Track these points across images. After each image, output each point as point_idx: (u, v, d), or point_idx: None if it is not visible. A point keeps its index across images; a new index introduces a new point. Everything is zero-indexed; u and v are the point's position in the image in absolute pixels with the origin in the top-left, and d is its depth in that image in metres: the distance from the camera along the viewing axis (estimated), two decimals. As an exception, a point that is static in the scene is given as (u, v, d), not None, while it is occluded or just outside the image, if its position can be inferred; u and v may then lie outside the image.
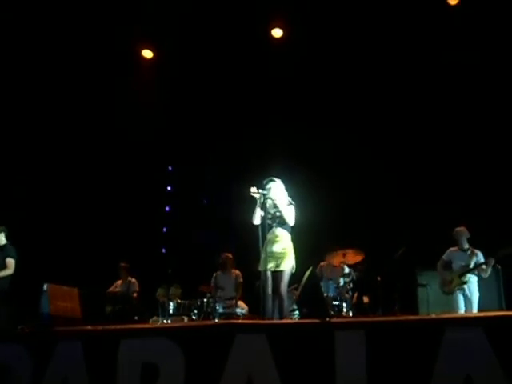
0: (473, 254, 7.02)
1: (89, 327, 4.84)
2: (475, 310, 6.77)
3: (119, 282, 8.47)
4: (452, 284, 6.98)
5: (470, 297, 6.86)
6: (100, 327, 4.78)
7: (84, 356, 4.49)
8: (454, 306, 6.85)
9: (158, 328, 5.41)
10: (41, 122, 9.21)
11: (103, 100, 9.24)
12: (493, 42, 7.97)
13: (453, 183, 8.30)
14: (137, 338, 4.50)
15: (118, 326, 4.95)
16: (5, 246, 7.32)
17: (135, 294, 8.27)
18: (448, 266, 7.11)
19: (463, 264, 6.99)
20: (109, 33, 8.63)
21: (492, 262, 6.86)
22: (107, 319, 7.31)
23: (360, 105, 8.88)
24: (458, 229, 7.18)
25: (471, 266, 6.92)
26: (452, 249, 7.20)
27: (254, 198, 5.93)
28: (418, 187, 8.45)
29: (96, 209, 9.44)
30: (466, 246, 7.09)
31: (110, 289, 8.42)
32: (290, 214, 5.89)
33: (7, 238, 7.39)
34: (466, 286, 6.89)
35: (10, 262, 7.12)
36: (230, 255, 8.06)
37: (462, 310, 6.78)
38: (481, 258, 6.97)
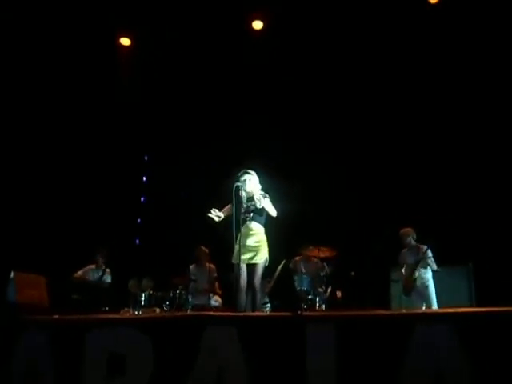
0: (419, 249, 7.16)
1: (56, 316, 4.73)
2: (435, 305, 6.85)
3: (92, 266, 8.18)
4: (408, 284, 7.06)
5: (426, 293, 6.95)
6: (67, 317, 4.68)
7: (50, 345, 4.38)
8: (413, 306, 6.90)
9: (127, 318, 5.32)
10: (17, 107, 8.99)
11: (79, 88, 9.07)
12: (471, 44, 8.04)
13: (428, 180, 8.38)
14: (105, 328, 4.40)
15: (87, 316, 4.85)
16: None
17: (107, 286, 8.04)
18: (405, 267, 7.22)
19: (412, 262, 7.09)
20: (87, 20, 8.45)
21: (427, 254, 6.97)
22: (75, 307, 7.13)
23: (335, 101, 8.90)
24: (402, 230, 7.37)
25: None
26: (403, 250, 7.34)
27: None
28: (394, 184, 8.49)
29: (69, 196, 9.26)
30: (413, 243, 7.20)
31: (79, 272, 8.13)
32: (270, 207, 5.88)
33: None
34: (418, 283, 6.97)
35: None
36: (204, 248, 8.03)
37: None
38: (427, 251, 7.06)
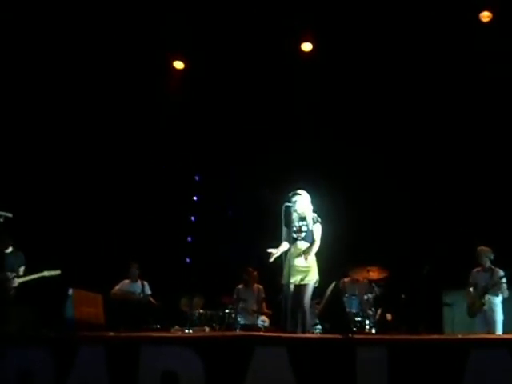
0: (494, 273, 6.83)
1: (111, 333, 4.86)
2: (499, 332, 6.60)
3: (126, 281, 8.21)
4: (474, 306, 6.83)
5: (492, 318, 6.69)
6: (122, 334, 4.80)
7: (106, 362, 4.50)
8: (475, 329, 6.69)
9: (179, 337, 5.40)
10: (71, 126, 9.34)
11: (134, 108, 9.38)
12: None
13: (483, 200, 8.18)
14: (158, 345, 4.50)
15: (140, 334, 4.96)
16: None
17: (152, 299, 8.09)
18: (474, 287, 6.98)
19: (484, 284, 6.83)
20: (141, 44, 8.77)
21: (502, 281, 6.71)
22: (128, 325, 7.20)
23: (386, 120, 8.87)
24: (479, 248, 6.99)
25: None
26: (475, 270, 7.05)
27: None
28: (447, 204, 8.33)
29: (123, 217, 9.53)
30: (488, 265, 6.93)
31: (116, 288, 8.10)
32: (317, 233, 5.86)
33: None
34: (486, 308, 6.73)
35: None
36: (253, 270, 8.05)
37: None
38: (503, 278, 6.78)
